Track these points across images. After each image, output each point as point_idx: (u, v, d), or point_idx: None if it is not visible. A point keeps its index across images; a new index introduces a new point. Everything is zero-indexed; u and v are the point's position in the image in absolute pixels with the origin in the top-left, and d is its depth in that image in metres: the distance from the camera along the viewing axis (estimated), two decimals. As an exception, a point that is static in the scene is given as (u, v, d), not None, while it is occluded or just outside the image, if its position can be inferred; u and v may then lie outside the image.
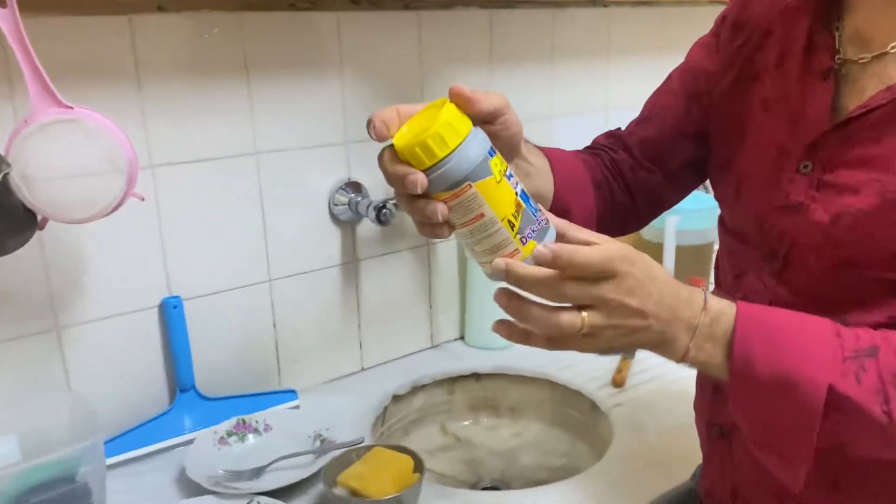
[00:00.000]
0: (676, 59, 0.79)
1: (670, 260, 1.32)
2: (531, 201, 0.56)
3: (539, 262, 0.54)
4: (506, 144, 0.60)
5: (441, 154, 0.51)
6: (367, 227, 1.12)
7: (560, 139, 1.33)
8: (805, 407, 0.55)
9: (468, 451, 1.13)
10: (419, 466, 0.81)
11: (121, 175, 0.77)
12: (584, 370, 1.15)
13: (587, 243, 0.56)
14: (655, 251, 1.34)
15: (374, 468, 0.81)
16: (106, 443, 0.92)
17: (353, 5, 1.04)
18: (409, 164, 0.53)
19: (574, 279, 0.54)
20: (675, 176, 0.81)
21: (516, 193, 0.54)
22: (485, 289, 1.22)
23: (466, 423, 1.19)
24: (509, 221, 0.54)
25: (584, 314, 0.55)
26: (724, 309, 0.58)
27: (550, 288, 0.54)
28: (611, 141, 0.83)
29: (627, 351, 1.18)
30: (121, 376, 0.96)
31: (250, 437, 0.96)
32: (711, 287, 0.87)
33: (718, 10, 0.79)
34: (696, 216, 1.34)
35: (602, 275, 0.54)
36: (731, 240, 0.73)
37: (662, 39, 1.42)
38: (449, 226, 0.56)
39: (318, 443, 0.93)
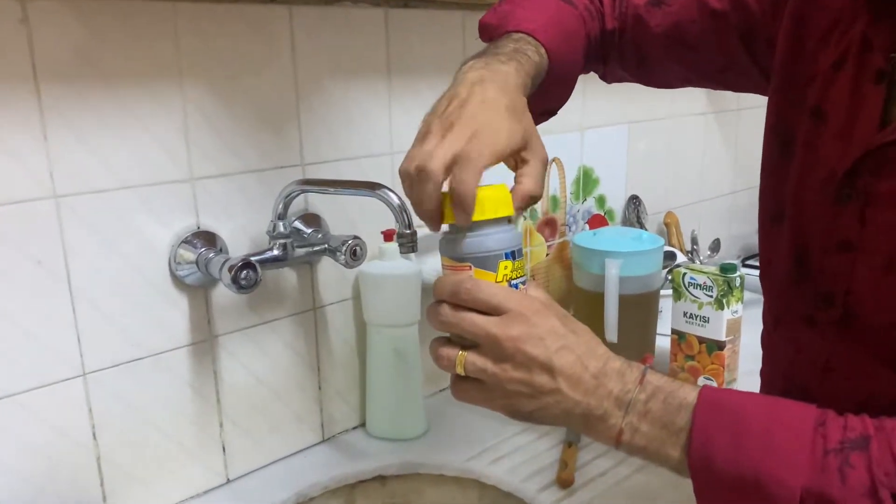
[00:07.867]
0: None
1: (613, 311, 1.10)
2: None
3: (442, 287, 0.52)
4: None
5: (472, 219, 0.50)
6: (226, 291, 0.83)
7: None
8: None
9: (374, 585, 0.86)
10: None
11: None
12: (521, 464, 0.90)
13: None
14: (594, 303, 1.12)
15: None
16: None
17: (196, -5, 0.77)
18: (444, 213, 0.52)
19: (459, 307, 0.51)
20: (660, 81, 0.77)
21: None
22: (391, 362, 0.96)
23: (371, 541, 0.92)
24: None
25: (464, 351, 0.51)
26: (670, 388, 0.50)
27: (439, 314, 0.51)
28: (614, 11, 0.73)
29: (569, 432, 0.94)
30: None
31: None
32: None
33: None
34: (638, 260, 1.13)
35: (496, 310, 0.50)
36: (771, 284, 0.64)
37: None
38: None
39: None
